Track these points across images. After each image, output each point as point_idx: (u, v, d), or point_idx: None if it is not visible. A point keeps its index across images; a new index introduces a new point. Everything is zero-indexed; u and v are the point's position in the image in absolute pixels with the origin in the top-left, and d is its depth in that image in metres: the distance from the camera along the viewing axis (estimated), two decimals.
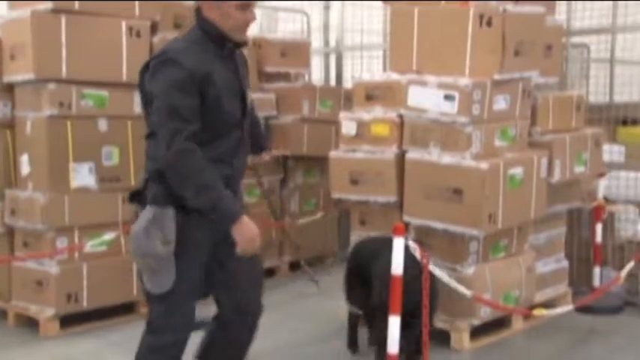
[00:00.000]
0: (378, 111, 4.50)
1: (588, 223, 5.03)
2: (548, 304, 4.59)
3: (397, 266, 3.13)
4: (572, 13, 6.25)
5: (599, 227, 4.90)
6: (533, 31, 4.35)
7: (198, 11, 2.69)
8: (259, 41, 6.00)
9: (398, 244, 3.09)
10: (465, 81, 4.12)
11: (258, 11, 7.02)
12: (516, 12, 4.26)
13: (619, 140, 6.30)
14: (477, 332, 4.21)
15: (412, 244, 3.45)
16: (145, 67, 2.65)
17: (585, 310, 4.63)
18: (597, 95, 7.16)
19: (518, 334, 4.40)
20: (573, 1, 6.19)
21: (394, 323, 3.16)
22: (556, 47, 4.67)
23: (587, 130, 4.80)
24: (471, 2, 4.19)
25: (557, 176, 4.51)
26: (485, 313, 4.20)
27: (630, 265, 4.41)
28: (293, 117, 5.84)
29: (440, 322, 4.08)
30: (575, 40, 6.80)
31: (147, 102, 2.66)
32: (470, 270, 4.15)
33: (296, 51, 6.19)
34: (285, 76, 6.16)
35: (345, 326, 4.09)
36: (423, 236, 4.28)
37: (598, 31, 6.25)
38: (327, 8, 7.02)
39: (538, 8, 4.40)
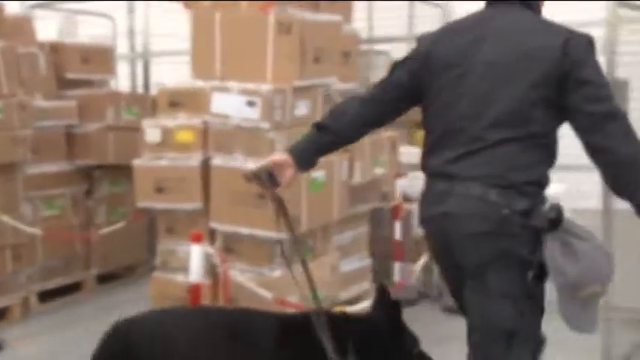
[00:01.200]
0: (182, 118, 4.49)
1: (388, 221, 5.34)
2: (353, 301, 4.82)
3: (195, 274, 3.15)
4: (374, 21, 6.66)
5: (397, 225, 5.23)
6: (330, 39, 4.56)
7: None
8: (57, 46, 5.76)
9: (197, 251, 3.11)
10: (266, 87, 4.23)
11: (57, 14, 6.79)
12: (314, 20, 4.45)
13: (415, 142, 6.76)
14: None
15: (210, 251, 3.49)
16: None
17: None
18: None
19: None
20: (375, 11, 6.59)
21: None
22: (353, 54, 4.92)
23: (385, 134, 5.09)
24: (270, 9, 4.31)
25: (357, 178, 4.76)
26: None
27: (424, 259, 4.75)
28: (97, 125, 5.67)
29: None
30: (378, 47, 7.22)
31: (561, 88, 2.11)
32: (276, 273, 4.27)
33: (99, 56, 6.01)
34: (88, 83, 5.97)
35: None
36: (231, 242, 4.34)
37: (397, 39, 6.68)
38: (131, 12, 6.88)
39: (335, 17, 4.62)
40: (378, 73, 7.17)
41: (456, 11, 5.30)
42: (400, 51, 7.54)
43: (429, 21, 6.57)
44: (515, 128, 2.15)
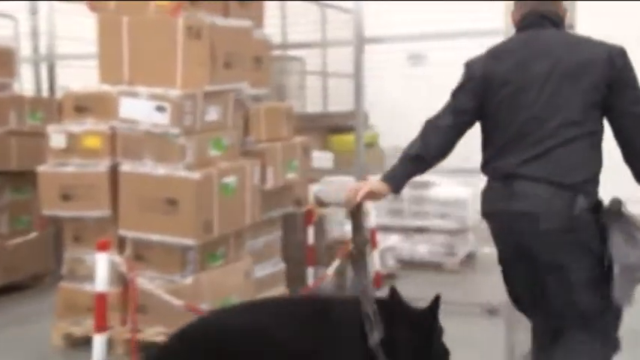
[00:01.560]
0: (89, 123, 4.41)
1: (302, 226, 5.38)
2: None
3: (101, 283, 3.09)
4: (287, 27, 6.71)
5: (310, 230, 5.27)
6: (241, 44, 4.56)
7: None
8: None
9: (102, 260, 3.06)
10: (175, 92, 4.19)
11: None
12: (224, 25, 4.45)
13: (331, 147, 6.87)
14: None
15: (117, 259, 3.43)
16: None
17: None
18: (315, 105, 7.74)
19: None
20: (288, 16, 6.64)
21: None
22: (265, 59, 4.94)
23: (297, 139, 5.13)
24: (179, 13, 4.27)
25: (270, 183, 4.77)
26: None
27: (336, 262, 4.80)
28: None
29: (156, 335, 4.10)
30: (292, 53, 7.28)
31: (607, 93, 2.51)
32: (187, 280, 4.23)
33: (0, 58, 5.79)
34: None
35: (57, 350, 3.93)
36: (141, 249, 4.27)
37: (310, 45, 6.75)
38: (34, 13, 6.67)
39: (245, 22, 4.63)
40: (292, 78, 7.27)
41: (367, 18, 5.40)
42: (314, 57, 7.69)
43: (341, 27, 6.69)
44: (581, 126, 2.48)
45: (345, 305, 2.67)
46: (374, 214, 5.43)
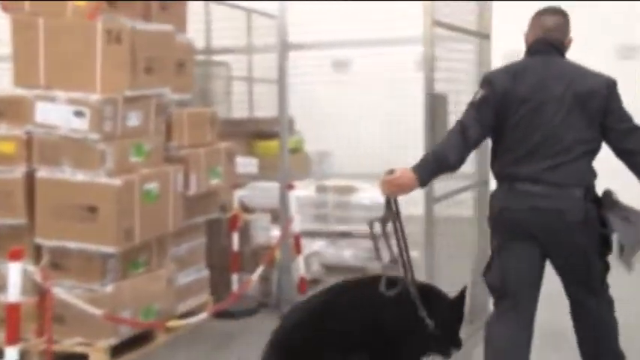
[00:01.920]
0: (3, 128, 4.29)
1: (226, 232, 5.36)
2: (190, 314, 4.80)
3: (13, 293, 3.01)
4: (211, 32, 6.66)
5: (235, 236, 5.27)
6: (163, 48, 4.52)
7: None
8: None
9: (14, 269, 2.97)
10: (95, 97, 4.13)
11: None
12: (145, 29, 4.40)
13: (256, 153, 6.86)
14: (120, 350, 4.23)
15: (31, 268, 3.35)
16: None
17: (225, 315, 4.94)
18: (241, 111, 7.72)
19: (160, 347, 4.52)
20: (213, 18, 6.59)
21: None
22: (188, 64, 4.91)
23: (221, 145, 5.12)
24: (98, 17, 4.20)
25: (193, 189, 4.75)
26: (125, 331, 4.24)
27: (260, 268, 4.82)
28: None
29: (77, 346, 4.01)
30: (217, 58, 7.24)
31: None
32: (108, 288, 4.15)
33: None
34: None
35: None
36: (59, 258, 4.17)
37: (235, 50, 6.72)
38: None
39: (167, 26, 4.59)
40: (217, 84, 7.23)
41: (292, 25, 5.44)
42: (240, 62, 7.67)
43: (267, 33, 6.69)
44: (589, 144, 3.16)
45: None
46: (298, 220, 5.45)
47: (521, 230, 3.16)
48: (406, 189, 3.11)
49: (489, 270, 3.28)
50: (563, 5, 3.39)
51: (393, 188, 3.09)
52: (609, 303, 3.32)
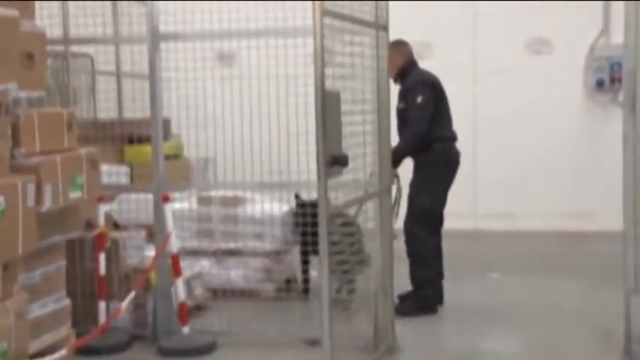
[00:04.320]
0: None
1: (91, 253, 5.18)
2: (47, 352, 4.56)
3: None
4: (70, 20, 6.42)
5: (102, 257, 5.09)
6: (6, 37, 4.30)
7: None
8: None
9: None
10: None
11: None
12: None
13: (126, 160, 6.68)
14: None
15: None
16: None
17: (90, 351, 4.76)
18: (107, 111, 7.50)
19: None
20: (72, 5, 6.36)
21: None
22: (39, 56, 4.70)
23: (82, 150, 4.93)
24: None
25: (48, 204, 4.52)
26: None
27: (132, 295, 4.65)
28: None
29: None
30: (79, 49, 7.00)
31: None
32: None
33: None
34: None
35: None
36: None
37: (100, 40, 6.51)
38: None
39: (10, 11, 4.37)
40: (78, 79, 6.99)
41: (165, 12, 5.34)
42: (105, 54, 7.45)
43: (137, 21, 6.53)
44: None
45: None
46: (177, 236, 5.32)
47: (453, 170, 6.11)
48: None
49: None
50: None
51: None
52: None
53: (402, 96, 5.90)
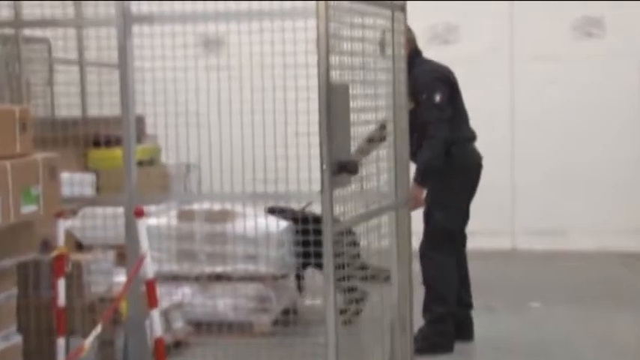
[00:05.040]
0: None
1: (48, 280, 5.19)
2: None
3: None
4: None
5: (61, 284, 5.09)
6: None
7: None
8: None
9: None
10: None
11: None
12: None
13: (92, 166, 6.71)
14: None
15: None
16: None
17: None
18: (69, 108, 7.53)
19: None
20: None
21: None
22: None
23: (38, 156, 4.94)
24: None
25: None
26: None
27: (97, 330, 4.65)
28: None
29: None
30: (34, 33, 7.03)
31: None
32: None
33: None
34: None
35: None
36: None
37: (59, 22, 6.56)
38: None
39: None
40: (33, 69, 7.03)
41: None
42: (65, 39, 7.48)
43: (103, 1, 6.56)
44: None
45: None
46: (150, 258, 5.32)
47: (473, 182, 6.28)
48: None
49: None
50: None
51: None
52: None
53: (410, 93, 5.23)
